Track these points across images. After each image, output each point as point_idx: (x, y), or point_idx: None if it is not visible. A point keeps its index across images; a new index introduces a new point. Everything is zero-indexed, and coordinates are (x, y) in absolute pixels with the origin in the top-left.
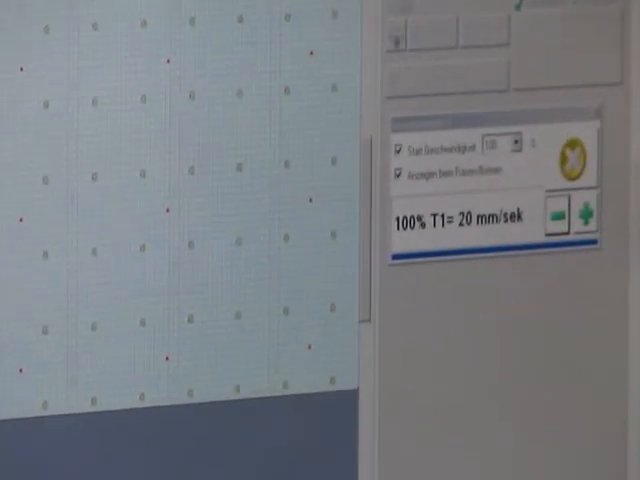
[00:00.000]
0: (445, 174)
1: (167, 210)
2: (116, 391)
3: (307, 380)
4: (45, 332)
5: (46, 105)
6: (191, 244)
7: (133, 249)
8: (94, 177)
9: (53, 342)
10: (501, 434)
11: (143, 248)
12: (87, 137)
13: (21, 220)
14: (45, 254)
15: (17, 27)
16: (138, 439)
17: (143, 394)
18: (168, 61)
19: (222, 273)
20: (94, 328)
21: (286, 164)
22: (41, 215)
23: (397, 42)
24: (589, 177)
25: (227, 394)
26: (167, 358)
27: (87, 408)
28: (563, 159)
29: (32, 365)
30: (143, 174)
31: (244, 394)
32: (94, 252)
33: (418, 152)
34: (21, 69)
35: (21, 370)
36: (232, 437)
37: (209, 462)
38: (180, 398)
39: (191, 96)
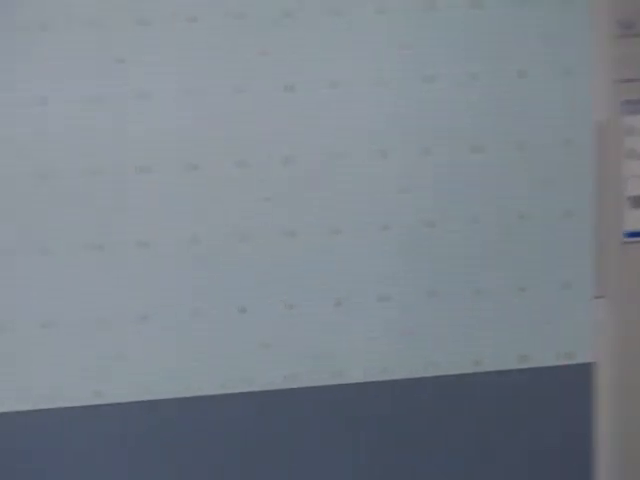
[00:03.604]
0: None
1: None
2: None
3: (544, 354)
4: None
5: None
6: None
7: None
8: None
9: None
10: None
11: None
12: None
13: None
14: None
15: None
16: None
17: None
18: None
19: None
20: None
21: (520, 146)
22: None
23: (629, 26)
24: None
25: (466, 367)
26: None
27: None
28: None
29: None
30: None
31: (485, 367)
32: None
33: None
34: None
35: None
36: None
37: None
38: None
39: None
